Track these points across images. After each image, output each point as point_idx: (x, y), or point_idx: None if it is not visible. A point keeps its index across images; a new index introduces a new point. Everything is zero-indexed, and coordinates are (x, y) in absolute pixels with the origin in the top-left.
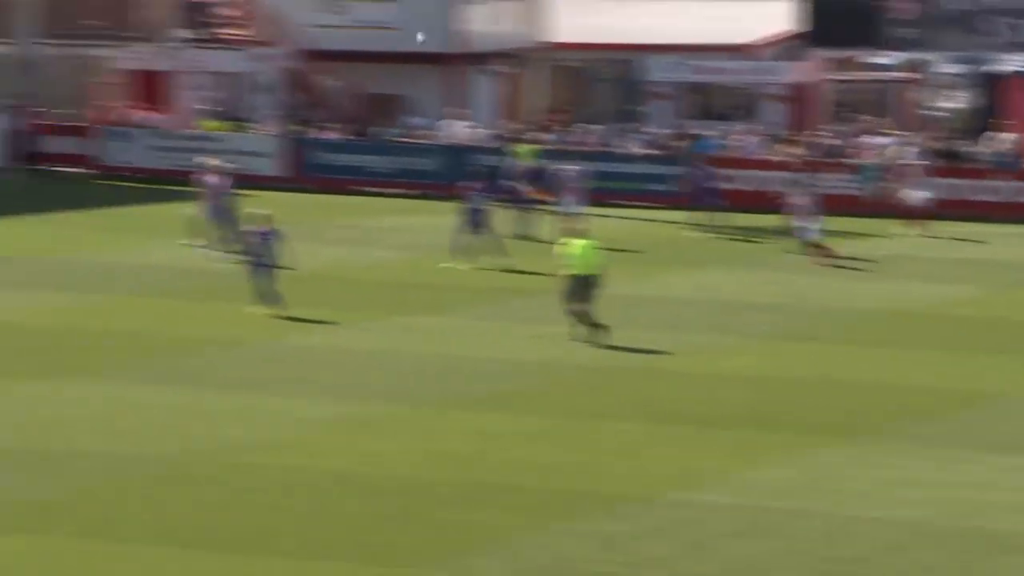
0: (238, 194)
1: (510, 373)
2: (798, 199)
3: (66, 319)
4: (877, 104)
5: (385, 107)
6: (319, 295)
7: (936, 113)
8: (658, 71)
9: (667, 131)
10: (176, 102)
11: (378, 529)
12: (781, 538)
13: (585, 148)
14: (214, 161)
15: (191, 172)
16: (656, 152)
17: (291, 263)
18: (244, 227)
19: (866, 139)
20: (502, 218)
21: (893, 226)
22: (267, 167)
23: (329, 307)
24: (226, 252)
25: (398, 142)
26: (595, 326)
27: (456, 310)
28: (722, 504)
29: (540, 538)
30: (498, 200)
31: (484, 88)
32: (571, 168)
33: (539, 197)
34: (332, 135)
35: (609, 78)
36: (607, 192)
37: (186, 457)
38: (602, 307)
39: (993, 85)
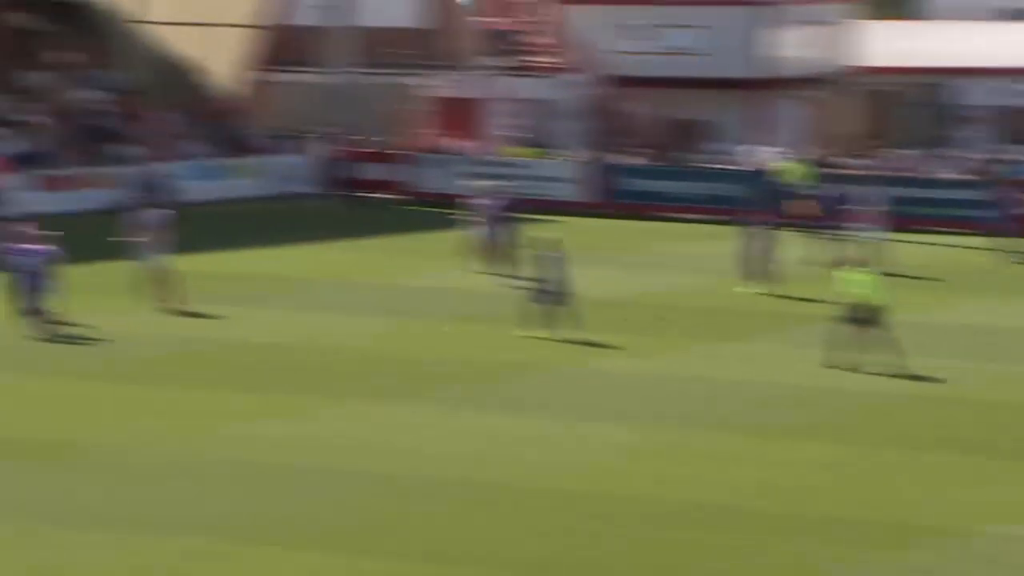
0: (516, 218)
1: (805, 400)
2: None
3: (376, 343)
4: None
5: (689, 133)
6: (620, 320)
7: None
8: (976, 95)
9: (980, 156)
10: (484, 129)
11: (697, 558)
12: None
13: (893, 173)
14: (488, 183)
15: (464, 196)
16: (967, 177)
17: (575, 287)
18: (528, 251)
19: None
20: (795, 243)
21: None
22: (571, 193)
23: (629, 332)
24: (507, 276)
25: (702, 168)
26: (892, 353)
27: (750, 335)
28: None
29: (862, 570)
30: (788, 225)
31: (790, 113)
32: (870, 193)
33: (833, 222)
34: (636, 161)
35: (919, 102)
36: (914, 218)
37: (498, 480)
38: (898, 334)
39: None
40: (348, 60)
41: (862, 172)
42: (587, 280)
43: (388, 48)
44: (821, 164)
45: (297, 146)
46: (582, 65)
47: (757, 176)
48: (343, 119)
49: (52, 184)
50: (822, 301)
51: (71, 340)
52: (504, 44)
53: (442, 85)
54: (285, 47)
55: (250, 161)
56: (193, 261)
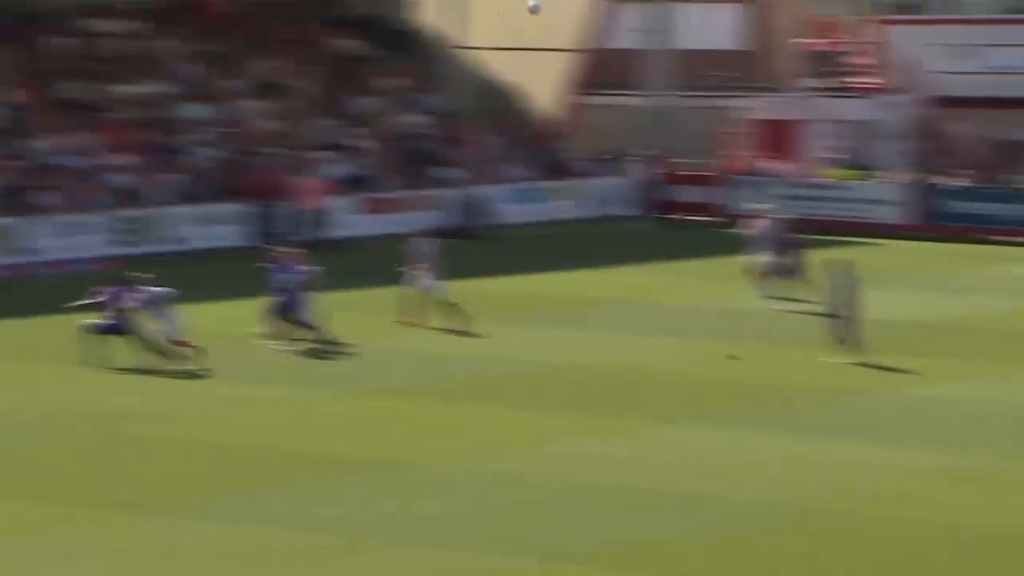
0: (798, 239)
1: None
2: None
3: (685, 366)
4: None
5: (1014, 154)
6: (939, 344)
7: None
8: None
9: None
10: (802, 151)
11: None
12: None
13: None
14: (767, 205)
15: (746, 216)
16: None
17: (871, 311)
18: (822, 274)
19: None
20: None
21: None
22: (893, 215)
23: (948, 357)
24: (795, 298)
25: None
26: None
27: None
28: None
29: None
30: None
31: None
32: None
33: None
34: (959, 183)
35: None
36: None
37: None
38: None
39: None
40: (667, 83)
41: None
42: (911, 304)
43: (707, 70)
44: None
45: (616, 169)
46: (904, 85)
47: None
48: (661, 142)
49: (376, 207)
50: None
51: (349, 355)
52: (824, 65)
53: (761, 107)
54: (604, 70)
55: (569, 184)
56: (511, 283)
